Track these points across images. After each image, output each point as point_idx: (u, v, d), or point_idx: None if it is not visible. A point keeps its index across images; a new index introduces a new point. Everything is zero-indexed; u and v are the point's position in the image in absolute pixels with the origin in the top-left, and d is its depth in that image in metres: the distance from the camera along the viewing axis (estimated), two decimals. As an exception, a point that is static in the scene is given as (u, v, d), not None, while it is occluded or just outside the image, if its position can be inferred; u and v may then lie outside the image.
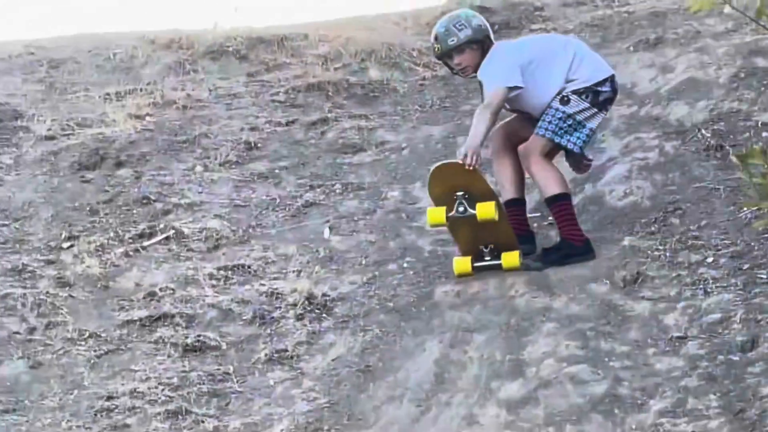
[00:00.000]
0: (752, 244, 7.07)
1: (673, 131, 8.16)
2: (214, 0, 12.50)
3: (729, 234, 7.23)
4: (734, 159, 7.31)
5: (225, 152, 8.81)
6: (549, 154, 7.18)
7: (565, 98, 7.23)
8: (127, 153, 8.83)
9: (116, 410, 6.53)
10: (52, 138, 8.80)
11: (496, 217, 7.01)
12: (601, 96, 7.36)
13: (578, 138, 7.26)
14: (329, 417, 6.45)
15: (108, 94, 9.50)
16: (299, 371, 6.95)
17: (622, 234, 7.33)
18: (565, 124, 7.17)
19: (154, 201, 8.35)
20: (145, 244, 7.82)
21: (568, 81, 7.28)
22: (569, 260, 7.37)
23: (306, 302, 7.37)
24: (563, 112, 7.15)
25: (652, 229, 7.37)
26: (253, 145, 8.84)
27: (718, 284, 6.82)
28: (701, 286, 6.76)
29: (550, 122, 7.15)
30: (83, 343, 6.85)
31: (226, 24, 10.63)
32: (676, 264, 7.10)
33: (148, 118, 9.36)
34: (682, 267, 7.04)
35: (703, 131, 8.06)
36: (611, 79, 7.50)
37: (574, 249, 7.37)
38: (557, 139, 7.13)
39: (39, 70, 9.78)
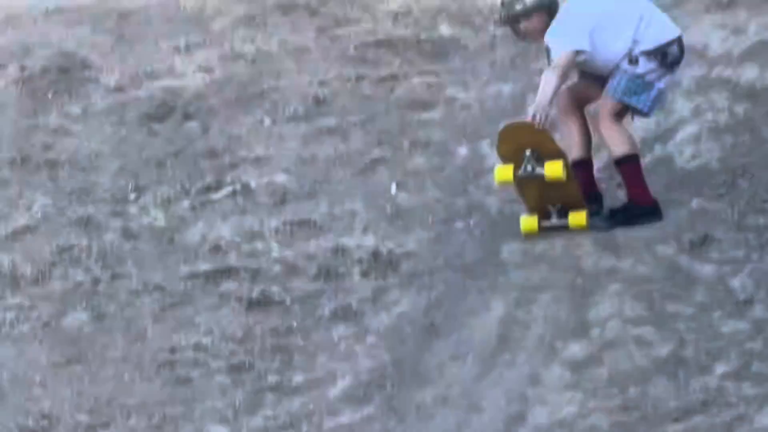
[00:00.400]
0: None
1: (744, 93, 8.09)
2: None
3: None
4: None
5: (293, 107, 8.83)
6: (619, 114, 7.22)
7: (634, 59, 7.21)
8: (195, 105, 8.89)
9: (179, 363, 6.65)
10: (120, 89, 8.89)
11: (564, 177, 7.05)
12: (669, 57, 7.35)
13: (647, 98, 7.30)
14: (392, 374, 6.66)
15: (177, 46, 9.56)
16: (363, 328, 7.04)
17: (690, 196, 7.31)
18: (634, 85, 7.19)
19: (222, 154, 8.40)
20: (212, 197, 7.89)
21: (635, 42, 7.27)
22: (637, 221, 7.35)
23: (371, 259, 7.42)
24: (632, 73, 7.17)
25: (720, 191, 7.33)
26: (321, 99, 8.86)
27: None
28: None
29: (619, 83, 7.18)
30: (147, 295, 6.97)
31: None
32: (744, 227, 7.06)
33: (216, 71, 9.42)
34: (750, 230, 7.01)
35: None
36: (679, 40, 7.48)
37: (642, 210, 7.38)
38: (627, 100, 7.18)
39: (108, 20, 9.91)
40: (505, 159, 7.17)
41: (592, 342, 6.44)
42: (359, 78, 8.90)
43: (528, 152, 7.07)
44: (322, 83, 8.91)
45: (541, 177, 7.06)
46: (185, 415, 6.16)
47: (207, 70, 9.41)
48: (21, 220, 7.84)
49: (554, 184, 7.11)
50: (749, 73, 8.32)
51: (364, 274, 7.02)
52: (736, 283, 6.61)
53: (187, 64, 9.47)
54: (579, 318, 6.69)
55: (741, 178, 7.40)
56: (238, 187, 7.86)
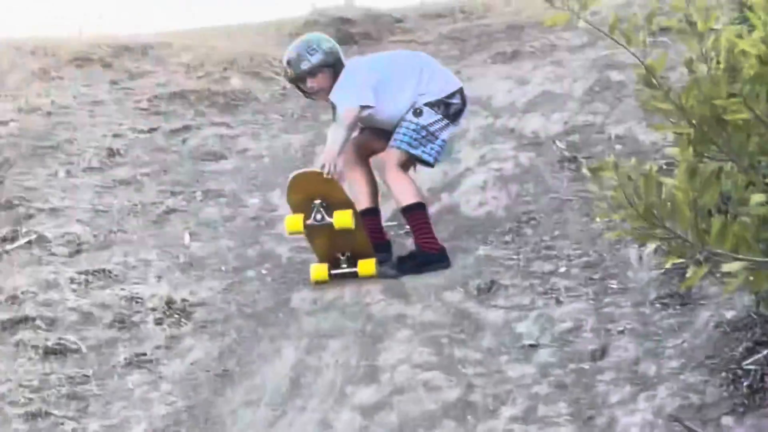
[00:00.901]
0: (603, 254, 7.17)
1: (528, 143, 8.24)
2: (79, 7, 12.42)
3: (581, 244, 7.32)
4: (587, 171, 7.46)
5: (88, 158, 8.73)
6: (404, 165, 7.22)
7: (418, 110, 7.26)
8: None
9: None
10: None
11: (353, 226, 7.06)
12: (451, 108, 7.43)
13: (432, 149, 7.31)
14: (187, 420, 6.41)
15: None
16: (158, 375, 6.91)
17: (477, 243, 7.37)
18: (419, 136, 7.20)
19: (17, 205, 8.22)
20: (8, 247, 7.73)
21: (420, 95, 7.33)
22: (425, 268, 7.36)
23: (165, 307, 7.31)
24: (417, 124, 7.19)
25: (507, 238, 7.41)
26: (115, 151, 8.76)
27: (570, 293, 6.90)
28: (553, 296, 6.83)
29: (404, 134, 7.19)
30: None
31: (90, 31, 10.52)
32: (530, 273, 7.14)
33: (12, 123, 9.28)
34: (535, 276, 7.09)
35: (558, 143, 8.18)
36: (460, 92, 7.57)
37: (430, 257, 7.39)
38: (412, 151, 7.19)
39: None
40: (295, 208, 7.13)
41: (381, 387, 6.40)
42: (152, 129, 8.86)
43: (317, 201, 7.05)
44: (116, 135, 8.82)
45: (331, 226, 7.04)
46: (-20, 462, 5.94)
47: (2, 122, 9.21)
48: None
49: (343, 232, 7.08)
50: (533, 123, 8.51)
51: (158, 322, 6.91)
52: (522, 328, 6.64)
53: (-17, 118, 9.14)
54: (369, 364, 6.67)
55: (526, 225, 7.49)
56: (33, 237, 7.69)
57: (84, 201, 8.13)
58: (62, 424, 6.05)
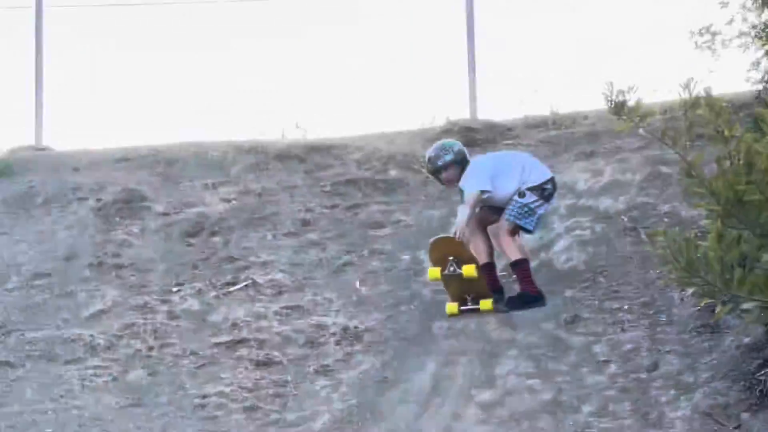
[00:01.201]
0: (655, 296, 6.95)
1: (601, 216, 8.16)
2: (282, 116, 12.50)
3: (639, 289, 7.09)
4: (645, 236, 7.29)
5: (287, 226, 8.77)
6: (512, 231, 7.01)
7: (522, 193, 7.06)
8: (219, 226, 8.76)
9: (209, 406, 6.47)
10: (166, 214, 8.82)
11: (476, 276, 6.83)
12: (546, 191, 7.23)
13: (532, 220, 7.13)
14: (357, 413, 6.34)
15: (206, 184, 9.48)
16: (337, 380, 6.80)
17: (565, 288, 7.24)
18: (522, 211, 7.02)
19: (238, 259, 8.25)
20: (231, 289, 7.77)
21: (523, 182, 7.11)
22: (527, 306, 7.11)
23: (342, 332, 7.25)
24: (521, 203, 7.01)
25: (586, 285, 7.27)
26: (307, 221, 8.82)
27: (631, 324, 6.72)
28: (620, 326, 6.67)
29: (513, 210, 7.00)
30: (186, 358, 6.85)
31: (290, 135, 10.56)
32: (603, 309, 6.99)
33: (234, 201, 9.31)
34: (607, 312, 6.93)
35: (623, 217, 8.03)
36: (552, 180, 7.37)
37: (531, 298, 7.14)
38: (518, 221, 6.99)
39: (158, 166, 9.77)
40: (435, 263, 6.96)
41: (497, 390, 6.31)
42: (334, 206, 8.82)
43: (451, 258, 6.89)
44: (307, 210, 8.80)
45: (461, 275, 6.87)
46: (214, 443, 6.04)
47: (227, 200, 9.27)
48: (98, 305, 7.73)
49: (469, 280, 6.89)
50: (605, 203, 8.34)
51: (337, 343, 6.89)
52: (597, 349, 6.52)
53: (214, 197, 9.35)
54: (488, 374, 6.56)
55: (600, 275, 7.32)
56: (249, 282, 7.78)
57: (284, 257, 8.15)
58: (269, 415, 6.08)
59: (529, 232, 7.09)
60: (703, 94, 3.70)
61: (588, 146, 9.53)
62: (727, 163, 3.54)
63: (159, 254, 8.40)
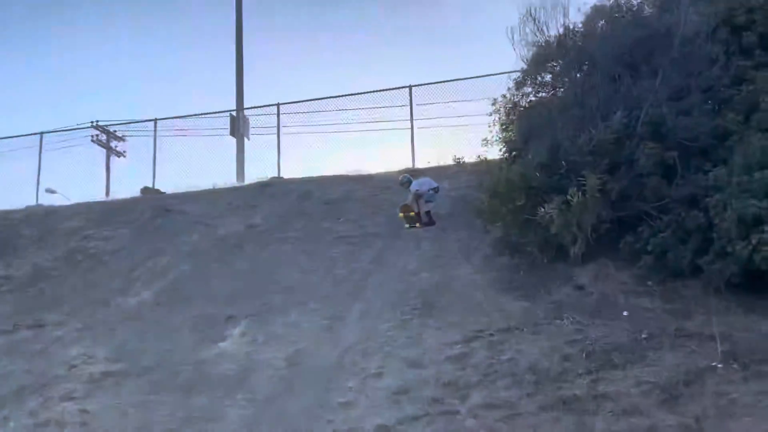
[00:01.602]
0: None
1: None
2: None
3: None
4: None
5: None
6: (424, 202, 16.73)
7: (430, 192, 17.00)
8: None
9: None
10: None
11: (411, 214, 16.37)
12: (437, 190, 16.94)
13: (432, 201, 16.94)
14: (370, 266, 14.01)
15: None
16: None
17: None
18: (429, 196, 16.88)
19: None
20: None
21: (429, 188, 17.04)
22: (428, 225, 16.64)
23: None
24: (430, 193, 16.96)
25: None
26: None
27: None
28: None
29: (427, 196, 17.10)
30: None
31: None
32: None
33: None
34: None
35: None
36: (437, 187, 16.86)
37: (430, 221, 16.59)
38: (429, 199, 16.87)
39: None
40: (401, 211, 16.90)
41: (417, 247, 16.28)
42: None
43: (404, 210, 16.44)
44: None
45: (406, 215, 16.71)
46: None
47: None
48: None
49: (409, 216, 16.29)
50: None
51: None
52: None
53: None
54: (415, 245, 15.27)
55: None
56: None
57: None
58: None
59: (429, 203, 16.78)
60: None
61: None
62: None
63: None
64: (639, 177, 13.61)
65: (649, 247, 13.12)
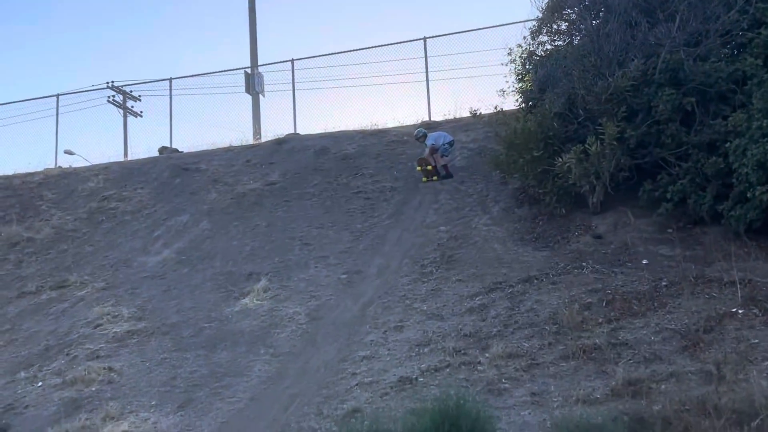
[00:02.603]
0: None
1: None
2: None
3: None
4: None
5: None
6: (440, 155, 17.12)
7: (444, 146, 17.47)
8: None
9: None
10: None
11: (429, 167, 17.10)
12: (452, 144, 17.51)
13: (447, 153, 17.39)
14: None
15: None
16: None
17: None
18: (444, 150, 17.34)
19: None
20: None
21: (444, 141, 17.39)
22: (445, 178, 16.93)
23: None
24: (445, 147, 17.30)
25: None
26: None
27: None
28: None
29: (443, 149, 17.37)
30: None
31: None
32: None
33: None
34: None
35: None
36: (452, 141, 17.41)
37: (448, 175, 17.00)
38: (444, 153, 17.30)
39: None
40: (418, 164, 17.22)
41: (437, 203, 16.37)
42: None
43: (422, 163, 17.19)
44: None
45: (425, 171, 17.06)
46: None
47: None
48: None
49: (427, 170, 17.11)
50: None
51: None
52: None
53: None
54: (432, 198, 15.95)
55: None
56: None
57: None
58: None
59: (445, 157, 17.48)
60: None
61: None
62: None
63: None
64: (657, 124, 13.54)
65: (668, 195, 13.13)
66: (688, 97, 13.35)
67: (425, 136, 17.49)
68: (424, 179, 16.89)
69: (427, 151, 17.18)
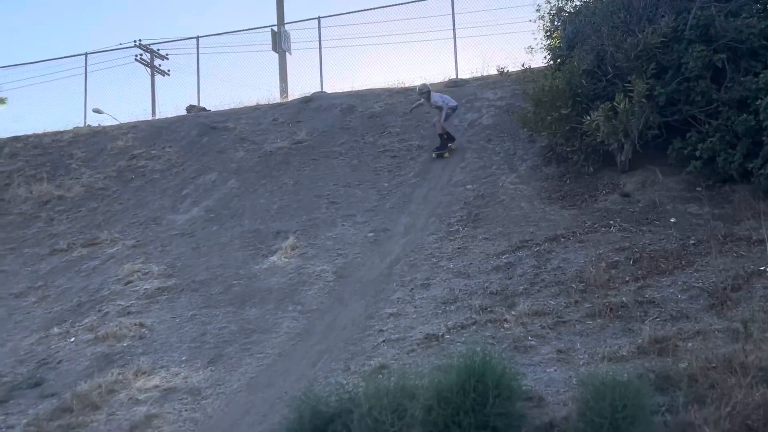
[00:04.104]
0: None
1: None
2: None
3: None
4: None
5: None
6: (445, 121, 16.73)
7: (451, 109, 16.63)
8: None
9: None
10: None
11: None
12: (456, 109, 16.61)
13: (452, 117, 16.54)
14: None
15: None
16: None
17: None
18: (447, 114, 16.78)
19: None
20: None
21: (450, 102, 16.67)
22: (450, 140, 16.44)
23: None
24: (449, 110, 16.66)
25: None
26: None
27: None
28: None
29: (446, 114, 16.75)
30: None
31: None
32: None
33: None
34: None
35: None
36: (456, 106, 16.58)
37: (451, 139, 16.35)
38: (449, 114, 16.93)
39: None
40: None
41: (462, 169, 16.83)
42: None
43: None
44: None
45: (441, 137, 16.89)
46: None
47: None
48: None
49: (442, 137, 16.97)
50: None
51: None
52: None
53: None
54: (454, 167, 15.97)
55: None
56: None
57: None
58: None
59: (445, 120, 16.58)
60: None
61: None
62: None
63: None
64: (687, 81, 13.41)
65: (698, 152, 13.03)
66: (718, 54, 13.17)
67: (429, 92, 17.00)
68: (434, 155, 16.45)
69: (442, 116, 16.79)
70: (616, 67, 13.94)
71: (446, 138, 16.22)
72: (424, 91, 16.75)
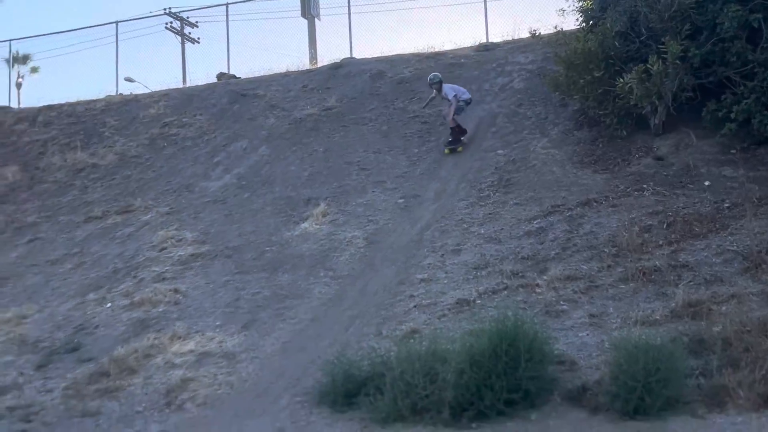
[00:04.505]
0: None
1: None
2: None
3: None
4: None
5: None
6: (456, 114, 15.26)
7: (463, 102, 15.31)
8: None
9: None
10: None
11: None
12: (469, 103, 15.59)
13: (460, 108, 15.23)
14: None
15: None
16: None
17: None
18: (459, 107, 15.31)
19: None
20: None
21: (462, 97, 15.34)
22: (460, 135, 15.27)
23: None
24: (460, 104, 15.45)
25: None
26: None
27: None
28: None
29: (457, 107, 15.31)
30: None
31: None
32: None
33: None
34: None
35: None
36: (469, 99, 15.47)
37: (462, 132, 15.26)
38: (458, 112, 15.15)
39: None
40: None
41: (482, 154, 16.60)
42: None
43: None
44: None
45: (453, 132, 15.65)
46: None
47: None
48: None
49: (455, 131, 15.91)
50: None
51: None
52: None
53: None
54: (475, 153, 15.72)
55: None
56: None
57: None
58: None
59: (457, 115, 15.39)
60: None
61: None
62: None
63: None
64: (722, 42, 13.20)
65: (733, 115, 12.86)
66: (754, 14, 12.95)
67: (441, 82, 15.98)
68: (446, 151, 15.52)
69: (452, 109, 15.76)
70: (650, 29, 13.76)
71: (458, 131, 15.63)
72: (435, 82, 15.89)
